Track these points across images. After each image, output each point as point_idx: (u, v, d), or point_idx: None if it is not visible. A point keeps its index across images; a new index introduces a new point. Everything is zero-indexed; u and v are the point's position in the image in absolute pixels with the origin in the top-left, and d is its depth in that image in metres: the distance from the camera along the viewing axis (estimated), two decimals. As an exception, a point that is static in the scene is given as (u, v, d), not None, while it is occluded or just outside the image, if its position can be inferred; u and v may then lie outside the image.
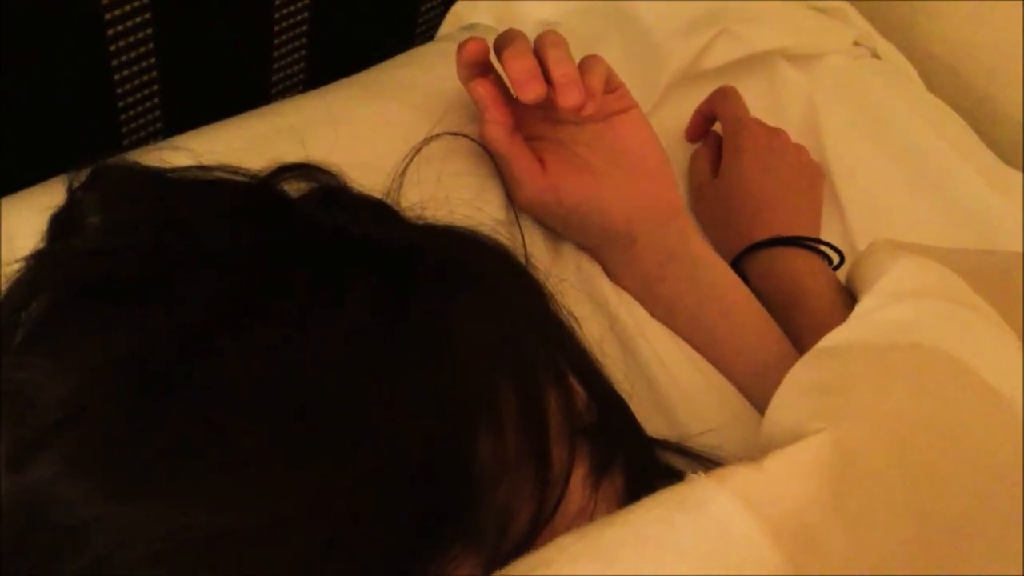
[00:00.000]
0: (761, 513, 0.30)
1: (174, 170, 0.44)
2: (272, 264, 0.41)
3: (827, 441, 0.33)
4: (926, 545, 0.33)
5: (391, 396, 0.38)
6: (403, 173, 0.54)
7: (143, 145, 0.60)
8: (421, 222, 0.49)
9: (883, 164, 0.76)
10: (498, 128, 0.56)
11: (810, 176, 0.71)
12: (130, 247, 0.41)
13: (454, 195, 0.53)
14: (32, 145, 0.56)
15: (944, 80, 0.87)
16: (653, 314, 0.58)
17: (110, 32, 0.54)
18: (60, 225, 0.44)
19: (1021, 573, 0.35)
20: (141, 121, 0.60)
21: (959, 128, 0.81)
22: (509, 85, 0.54)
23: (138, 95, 0.58)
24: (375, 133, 0.57)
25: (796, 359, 0.57)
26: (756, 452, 0.40)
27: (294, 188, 0.49)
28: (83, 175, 0.45)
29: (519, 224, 0.56)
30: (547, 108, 0.54)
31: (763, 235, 0.65)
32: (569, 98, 0.52)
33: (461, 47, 0.54)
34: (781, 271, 0.64)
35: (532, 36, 0.74)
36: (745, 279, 0.65)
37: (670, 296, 0.58)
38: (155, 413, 0.37)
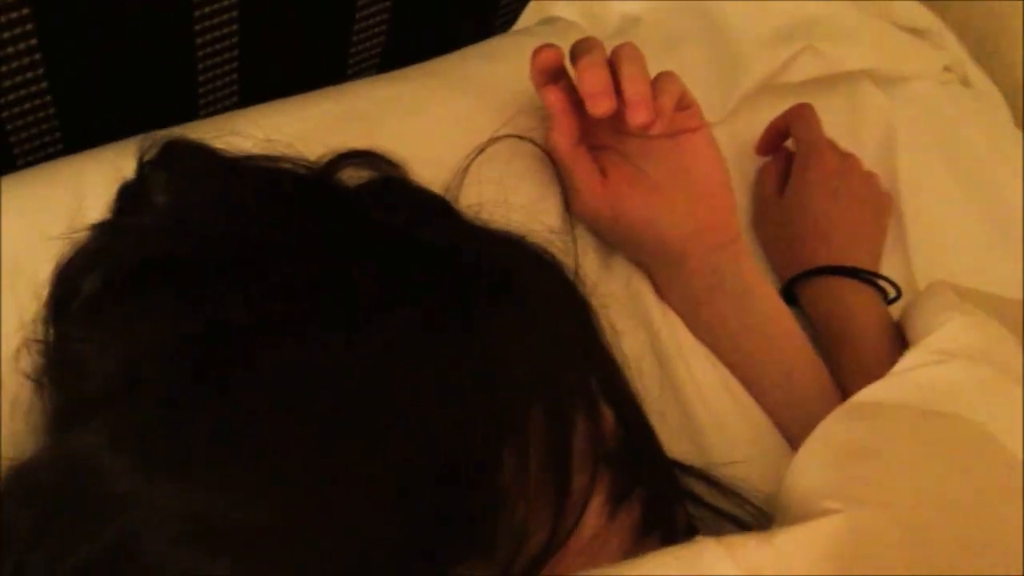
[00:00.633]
0: (759, 584, 0.31)
1: (242, 157, 0.46)
2: (326, 263, 0.42)
3: (842, 526, 0.33)
4: None
5: (425, 409, 0.39)
6: (466, 171, 0.55)
7: (218, 111, 0.61)
8: (477, 223, 0.49)
9: (956, 201, 0.74)
10: (564, 137, 0.56)
11: (877, 206, 0.70)
12: (193, 232, 0.43)
13: (513, 199, 0.53)
14: (111, 103, 0.58)
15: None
16: (695, 334, 0.58)
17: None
18: (128, 199, 0.46)
19: None
20: (218, 86, 0.61)
21: (1040, 166, 0.79)
22: (581, 95, 0.54)
23: (218, 59, 0.60)
24: (443, 127, 0.57)
25: (834, 398, 0.58)
26: (774, 507, 0.40)
27: (357, 175, 0.50)
28: (155, 147, 0.47)
29: (573, 234, 0.56)
30: (616, 120, 0.54)
31: (820, 262, 0.64)
32: (638, 117, 0.52)
33: (536, 53, 0.54)
34: (833, 301, 0.63)
35: (615, 31, 0.75)
36: (796, 303, 0.65)
37: (715, 319, 0.58)
38: (201, 399, 0.39)
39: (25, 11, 0.49)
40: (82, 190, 0.51)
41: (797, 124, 0.70)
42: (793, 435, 0.57)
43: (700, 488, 0.51)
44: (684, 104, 0.56)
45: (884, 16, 0.80)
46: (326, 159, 0.49)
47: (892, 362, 0.49)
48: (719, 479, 0.51)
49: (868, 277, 0.64)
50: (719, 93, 0.72)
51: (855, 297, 0.63)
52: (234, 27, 0.58)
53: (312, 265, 0.42)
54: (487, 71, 0.62)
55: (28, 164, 0.57)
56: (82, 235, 0.45)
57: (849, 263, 0.64)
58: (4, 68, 0.52)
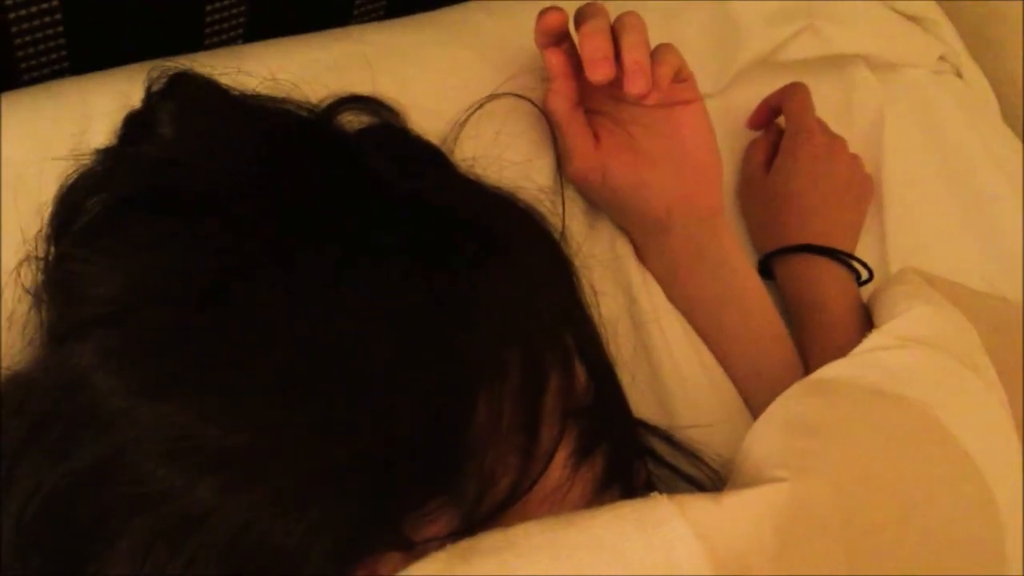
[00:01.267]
0: (709, 544, 0.34)
1: (248, 96, 0.47)
2: (320, 205, 0.44)
3: (785, 492, 0.36)
4: None
5: (406, 350, 0.41)
6: (463, 124, 0.56)
7: (223, 43, 0.62)
8: (469, 176, 0.51)
9: (937, 190, 0.77)
10: (562, 100, 0.58)
11: (859, 190, 0.72)
12: (196, 166, 0.44)
13: (507, 156, 0.55)
14: (119, 26, 0.59)
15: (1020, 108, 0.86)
16: (672, 301, 0.61)
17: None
18: (134, 128, 0.47)
19: None
20: (225, 16, 0.62)
21: (1020, 163, 0.81)
22: (582, 61, 0.56)
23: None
24: (445, 79, 0.59)
25: (797, 372, 0.61)
26: (729, 471, 0.43)
27: (358, 120, 0.51)
28: (163, 78, 0.48)
29: (563, 195, 0.58)
30: (613, 86, 0.56)
31: (798, 239, 0.66)
32: (635, 86, 0.54)
33: (541, 15, 0.56)
34: (807, 278, 0.65)
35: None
36: (772, 277, 0.67)
37: (692, 288, 0.60)
38: (194, 326, 0.41)
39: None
40: (88, 112, 0.52)
41: (790, 102, 0.72)
42: (756, 404, 0.59)
43: (662, 448, 0.54)
44: (681, 77, 0.58)
45: (885, 1, 0.81)
46: (327, 102, 0.51)
47: (856, 342, 0.51)
48: (681, 440, 0.54)
49: (843, 258, 0.66)
50: (717, 65, 0.74)
51: (828, 276, 0.65)
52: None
53: (306, 206, 0.44)
54: (492, 26, 0.63)
55: (32, 81, 0.58)
56: (87, 158, 0.47)
57: (826, 243, 0.66)
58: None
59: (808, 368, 0.60)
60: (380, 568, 0.40)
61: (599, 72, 0.54)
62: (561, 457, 0.44)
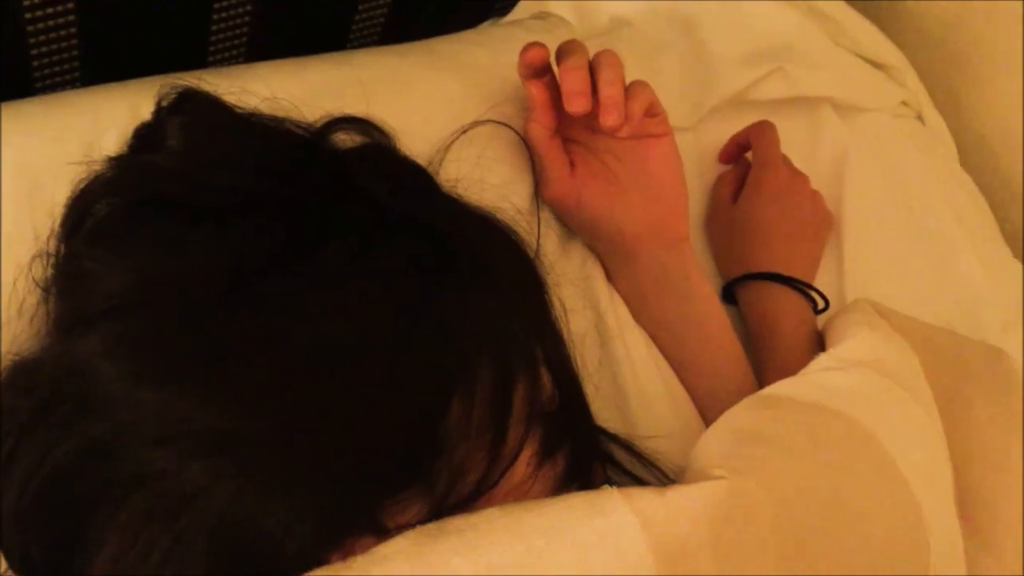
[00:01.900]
0: (651, 532, 0.38)
1: (250, 114, 0.51)
2: (312, 219, 0.48)
3: (722, 489, 0.40)
4: None
5: (389, 353, 0.45)
6: (448, 148, 0.61)
7: (225, 62, 0.66)
8: (452, 196, 0.55)
9: (894, 228, 0.81)
10: (541, 128, 0.63)
11: (819, 224, 0.77)
12: (201, 177, 0.48)
13: (488, 178, 0.59)
14: (130, 43, 0.63)
15: (979, 157, 0.91)
16: (638, 321, 0.65)
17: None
18: (144, 138, 0.51)
19: None
20: (228, 36, 0.66)
21: (979, 211, 0.86)
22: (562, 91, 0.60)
23: (232, 12, 0.65)
24: (433, 104, 0.63)
25: (752, 390, 0.65)
26: (680, 478, 0.47)
27: (350, 139, 0.55)
28: (172, 94, 0.52)
29: (539, 216, 0.63)
30: (590, 118, 0.60)
31: (760, 267, 0.71)
32: (609, 119, 0.58)
33: (525, 49, 0.61)
34: (766, 304, 0.70)
35: (603, 31, 0.80)
36: (734, 302, 0.72)
37: (657, 310, 0.65)
38: (191, 320, 0.44)
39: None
40: (100, 121, 0.56)
41: (757, 139, 0.76)
42: (711, 419, 0.63)
43: (621, 455, 0.58)
44: (653, 112, 0.63)
45: (853, 48, 0.87)
46: (323, 122, 0.55)
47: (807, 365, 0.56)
48: (639, 449, 0.58)
49: (801, 287, 0.71)
50: (691, 101, 0.79)
51: (787, 303, 0.70)
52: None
53: (299, 219, 0.48)
54: (479, 57, 0.68)
55: (46, 91, 0.62)
56: (99, 165, 0.51)
57: (786, 272, 0.71)
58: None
59: (762, 388, 0.65)
60: (355, 550, 0.44)
61: (577, 105, 0.59)
62: (525, 456, 0.48)
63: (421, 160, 0.58)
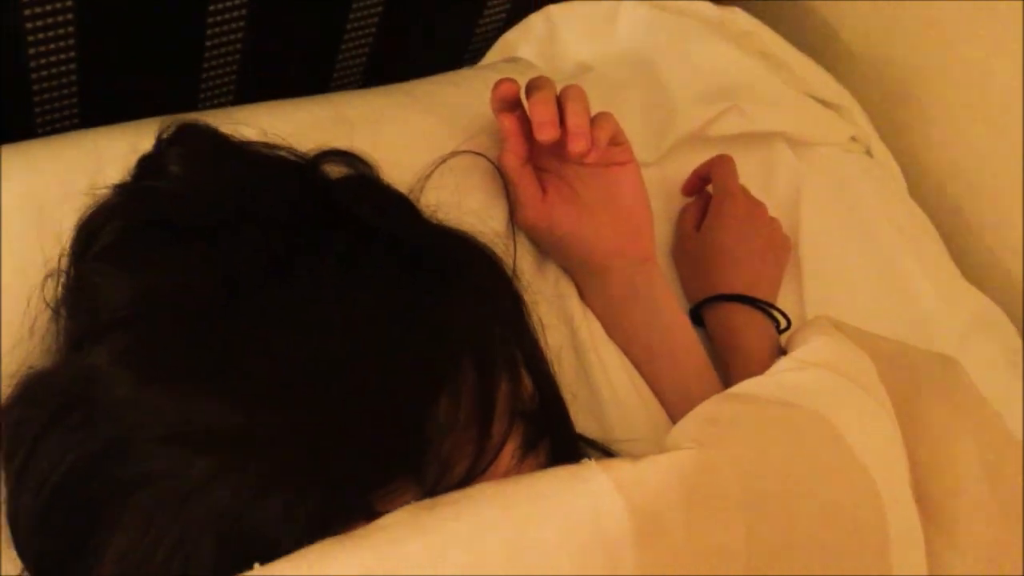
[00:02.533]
0: (626, 493, 0.42)
1: (247, 143, 0.56)
2: (304, 235, 0.52)
3: (691, 457, 0.44)
4: (750, 557, 0.45)
5: (381, 355, 0.49)
6: (428, 176, 0.66)
7: (214, 107, 0.71)
8: (433, 220, 0.60)
9: (848, 252, 0.87)
10: (513, 157, 0.68)
11: (778, 248, 0.82)
12: (200, 198, 0.53)
13: (465, 204, 0.64)
14: (124, 89, 0.68)
15: (925, 187, 0.97)
16: (611, 336, 0.70)
17: (211, 8, 0.66)
18: (146, 167, 0.56)
19: None
20: (218, 84, 0.71)
21: (928, 236, 0.92)
22: (531, 121, 0.66)
23: (221, 60, 0.70)
24: (413, 139, 0.68)
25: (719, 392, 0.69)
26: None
27: (336, 170, 0.60)
28: (172, 127, 0.57)
29: (514, 239, 0.68)
30: (558, 147, 0.65)
31: (725, 290, 0.76)
32: (576, 146, 0.64)
33: (497, 84, 0.66)
34: (732, 323, 0.75)
35: (568, 76, 0.86)
36: (702, 324, 0.76)
37: (628, 325, 0.69)
38: (193, 328, 0.48)
39: (70, 16, 0.60)
40: (101, 157, 0.61)
41: (717, 171, 0.82)
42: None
43: (598, 457, 0.62)
44: (617, 141, 0.68)
45: (802, 88, 0.93)
46: (313, 153, 0.60)
47: None
48: (615, 451, 0.62)
49: (764, 306, 0.76)
50: (654, 139, 0.84)
51: (751, 322, 0.75)
52: (239, 35, 0.69)
53: (293, 235, 0.52)
54: (453, 96, 0.73)
55: (46, 132, 0.67)
56: (104, 194, 0.55)
57: (749, 294, 0.76)
58: (42, 48, 0.62)
59: (728, 391, 0.69)
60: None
61: (546, 133, 0.64)
62: (509, 448, 0.52)
63: (402, 189, 0.62)
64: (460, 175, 0.67)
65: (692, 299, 0.78)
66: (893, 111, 0.99)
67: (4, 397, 0.52)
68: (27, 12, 0.59)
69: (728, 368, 0.73)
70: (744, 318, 0.75)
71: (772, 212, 0.83)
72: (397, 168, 0.62)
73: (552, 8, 0.88)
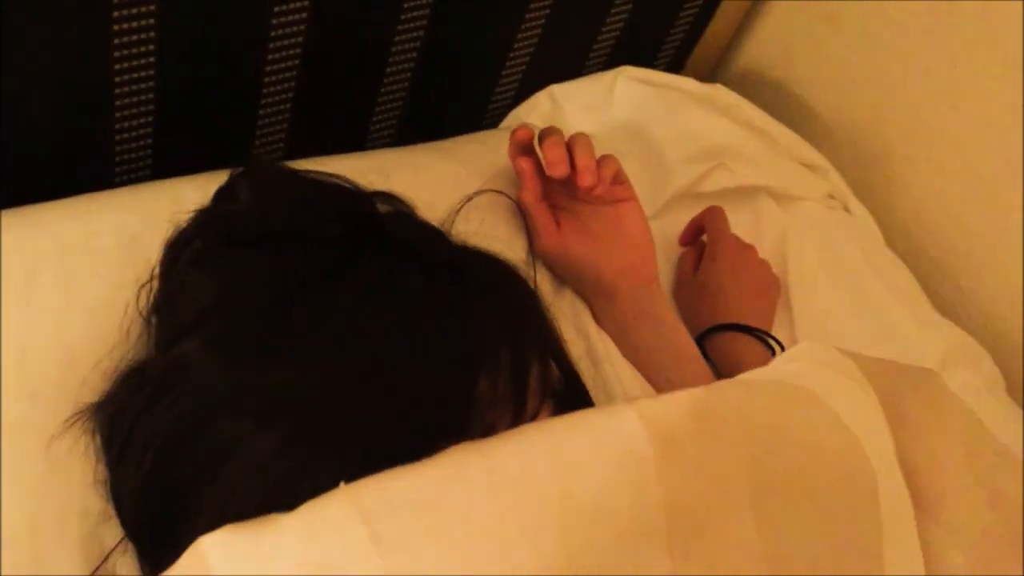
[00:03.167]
0: (647, 421, 0.50)
1: (305, 171, 0.66)
2: (360, 249, 0.61)
3: (701, 394, 0.53)
4: (754, 485, 0.53)
5: (434, 342, 0.58)
6: (457, 212, 0.76)
7: (269, 162, 0.83)
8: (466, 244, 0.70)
9: (833, 292, 0.97)
10: (530, 194, 0.79)
11: (768, 286, 0.92)
12: (266, 216, 0.63)
13: (491, 235, 0.74)
14: (189, 150, 0.79)
15: (899, 238, 1.08)
16: (621, 351, 0.79)
17: (265, 79, 0.78)
18: (221, 195, 0.66)
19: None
20: (269, 141, 0.83)
21: (904, 277, 1.02)
22: (544, 164, 0.77)
23: (274, 119, 0.82)
24: (442, 183, 0.79)
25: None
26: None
27: (382, 208, 0.70)
28: (242, 166, 0.68)
29: (535, 267, 0.78)
30: (569, 186, 0.76)
31: (722, 321, 0.85)
32: (585, 180, 0.74)
33: (514, 132, 0.77)
34: (731, 349, 0.84)
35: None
36: (704, 352, 0.85)
37: (637, 339, 0.79)
38: (263, 320, 0.57)
39: (149, 67, 0.72)
40: (178, 199, 0.71)
41: (710, 220, 0.93)
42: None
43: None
44: (619, 180, 0.79)
45: (782, 152, 1.05)
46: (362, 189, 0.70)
47: None
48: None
49: (760, 334, 0.85)
50: (651, 196, 0.95)
51: (748, 348, 0.84)
52: (289, 105, 0.81)
53: (348, 246, 0.62)
54: (475, 149, 0.85)
55: (123, 183, 0.78)
56: (183, 220, 0.65)
57: (746, 324, 0.85)
58: (128, 111, 0.73)
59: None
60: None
61: (558, 170, 0.75)
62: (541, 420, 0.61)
63: (435, 223, 0.72)
64: (485, 211, 0.77)
65: (693, 330, 0.87)
66: (865, 175, 1.10)
67: (103, 392, 0.61)
68: (117, 80, 0.71)
69: (730, 386, 0.82)
70: (742, 344, 0.84)
71: (761, 255, 0.93)
72: (430, 208, 0.73)
73: (554, 87, 1.01)
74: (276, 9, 0.73)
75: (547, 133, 0.77)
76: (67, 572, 0.58)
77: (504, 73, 0.95)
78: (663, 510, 0.49)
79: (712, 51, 1.16)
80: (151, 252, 0.64)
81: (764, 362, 0.82)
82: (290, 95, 0.81)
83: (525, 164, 0.79)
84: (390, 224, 0.67)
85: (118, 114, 0.73)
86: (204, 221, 0.64)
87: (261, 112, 0.80)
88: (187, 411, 0.56)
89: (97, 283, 0.67)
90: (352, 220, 0.64)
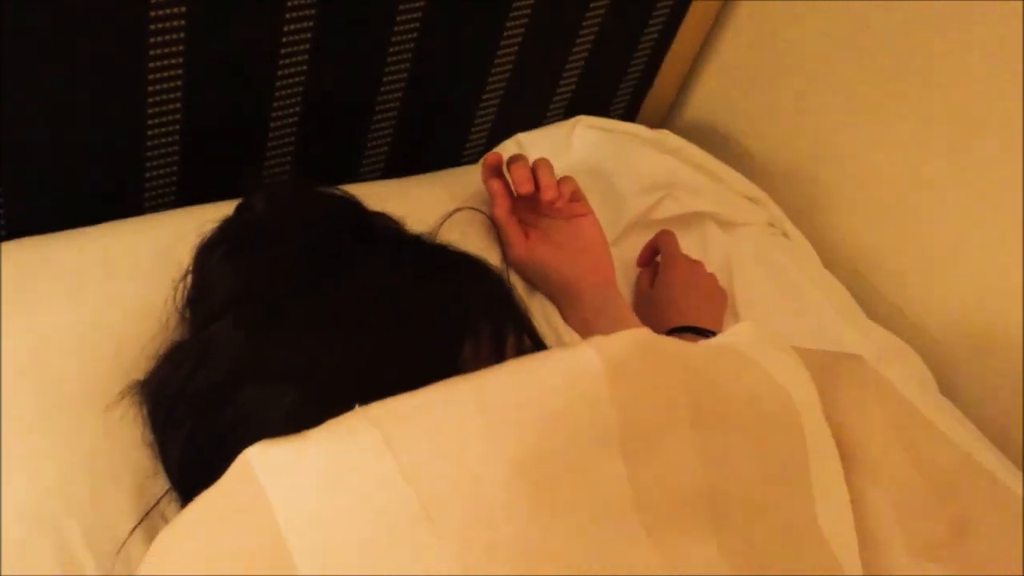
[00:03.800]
0: (601, 352, 0.62)
1: (311, 182, 0.80)
2: (355, 243, 0.75)
3: (646, 334, 0.65)
4: (688, 405, 0.64)
5: (425, 313, 0.71)
6: (440, 225, 0.90)
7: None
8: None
9: (775, 301, 1.10)
10: (502, 210, 0.93)
11: (716, 295, 1.05)
12: (279, 221, 0.76)
13: (470, 246, 0.88)
14: (203, 180, 0.93)
15: (834, 260, 1.22)
16: (586, 344, 0.92)
17: (273, 116, 0.92)
18: (241, 207, 0.80)
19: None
20: (276, 172, 0.97)
21: (838, 290, 1.16)
22: (512, 184, 0.91)
23: (282, 149, 0.96)
24: (424, 204, 0.93)
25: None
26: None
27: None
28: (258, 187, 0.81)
29: (508, 273, 0.91)
30: (534, 203, 0.90)
31: (675, 325, 0.99)
32: (547, 195, 0.89)
33: (486, 157, 0.92)
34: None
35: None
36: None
37: (598, 332, 0.91)
38: (280, 302, 0.70)
39: (176, 115, 0.86)
40: (203, 219, 0.84)
41: (662, 242, 1.07)
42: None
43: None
44: (576, 197, 0.94)
45: (724, 186, 1.20)
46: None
47: None
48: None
49: (709, 334, 0.98)
50: (610, 225, 1.09)
51: (699, 346, 0.97)
52: (293, 138, 0.96)
53: (348, 243, 0.75)
54: (454, 179, 1.00)
55: (152, 209, 0.92)
56: (209, 230, 0.78)
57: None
58: (156, 143, 0.87)
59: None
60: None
61: (524, 187, 0.89)
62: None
63: (421, 235, 0.86)
64: (464, 226, 0.92)
65: (652, 336, 1.01)
66: (796, 205, 1.25)
67: (147, 371, 0.73)
68: (150, 115, 0.85)
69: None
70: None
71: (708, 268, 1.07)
72: (418, 224, 0.86)
73: (520, 135, 1.16)
74: (279, 72, 0.88)
75: (514, 159, 0.92)
76: (123, 512, 0.70)
77: (475, 123, 1.11)
78: (616, 420, 0.61)
79: (661, 103, 1.32)
80: (182, 258, 0.78)
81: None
82: (292, 140, 0.95)
83: (496, 184, 0.93)
84: (384, 226, 0.80)
85: (148, 152, 0.88)
86: (227, 227, 0.78)
87: (268, 154, 0.95)
88: (219, 379, 0.68)
89: (137, 286, 0.80)
90: (352, 220, 0.78)
